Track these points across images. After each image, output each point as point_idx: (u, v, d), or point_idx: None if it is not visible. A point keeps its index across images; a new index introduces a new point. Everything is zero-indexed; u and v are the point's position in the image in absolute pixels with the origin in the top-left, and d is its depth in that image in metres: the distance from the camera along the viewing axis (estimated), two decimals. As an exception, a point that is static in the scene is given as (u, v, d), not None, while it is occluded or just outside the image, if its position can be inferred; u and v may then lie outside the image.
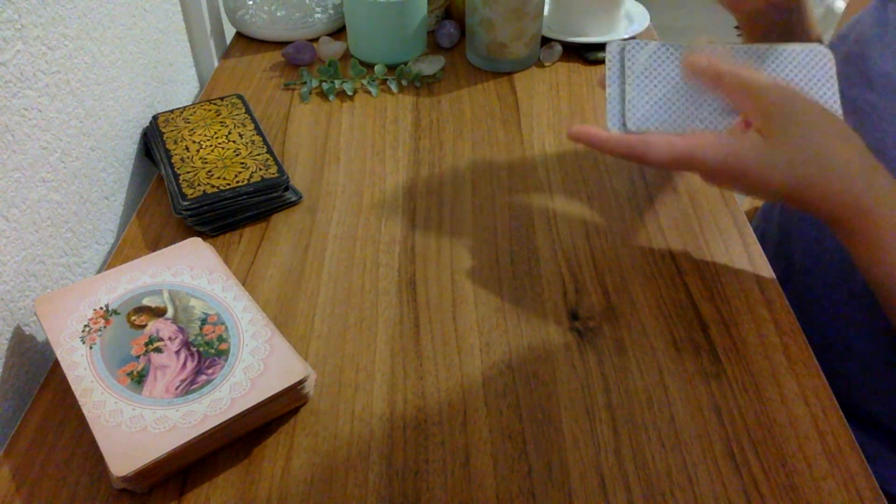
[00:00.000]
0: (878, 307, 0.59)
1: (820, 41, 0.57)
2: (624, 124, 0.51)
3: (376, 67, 0.80)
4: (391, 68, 0.81)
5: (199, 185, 0.60)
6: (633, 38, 0.81)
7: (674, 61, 0.52)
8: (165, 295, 0.50)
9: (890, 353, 0.59)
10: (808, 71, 0.51)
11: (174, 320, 0.48)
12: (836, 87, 0.51)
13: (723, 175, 0.47)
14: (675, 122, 0.51)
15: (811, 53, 0.51)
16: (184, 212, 0.58)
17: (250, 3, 0.86)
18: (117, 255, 0.58)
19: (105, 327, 0.48)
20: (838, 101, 0.51)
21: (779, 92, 0.45)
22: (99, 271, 0.62)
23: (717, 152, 0.46)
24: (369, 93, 0.78)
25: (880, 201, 0.44)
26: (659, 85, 0.51)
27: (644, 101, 0.51)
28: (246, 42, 0.89)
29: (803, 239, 0.68)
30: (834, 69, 0.51)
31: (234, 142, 0.65)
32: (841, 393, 0.48)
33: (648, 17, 0.88)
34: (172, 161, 0.63)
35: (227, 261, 0.57)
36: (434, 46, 0.88)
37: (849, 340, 0.62)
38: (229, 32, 0.93)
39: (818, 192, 0.45)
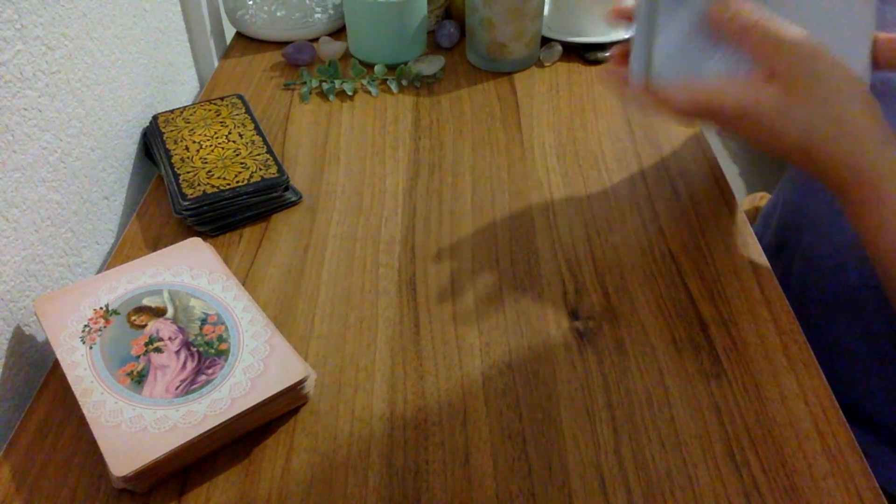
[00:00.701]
0: (872, 309, 0.59)
1: None
2: (647, 72, 0.50)
3: (376, 67, 0.80)
4: (391, 68, 0.81)
5: (199, 185, 0.60)
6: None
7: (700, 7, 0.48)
8: (165, 295, 0.50)
9: (886, 354, 0.59)
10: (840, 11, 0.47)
11: (174, 320, 0.48)
12: (869, 33, 0.48)
13: (739, 123, 0.46)
14: (700, 71, 0.48)
15: None
16: (184, 212, 0.58)
17: (250, 3, 0.86)
18: (117, 255, 0.58)
19: (105, 327, 0.48)
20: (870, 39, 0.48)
21: (806, 50, 0.43)
22: (99, 271, 0.62)
23: (737, 100, 0.45)
24: (369, 93, 0.78)
25: (889, 173, 0.44)
26: (687, 33, 0.48)
27: (670, 50, 0.49)
28: (246, 42, 0.89)
29: (800, 245, 0.68)
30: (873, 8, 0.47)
31: (234, 142, 0.65)
32: (841, 393, 0.48)
33: None
34: (172, 161, 0.63)
35: (227, 261, 0.57)
36: (434, 46, 0.88)
37: (845, 343, 0.62)
38: (229, 32, 0.93)
39: (829, 154, 0.44)
